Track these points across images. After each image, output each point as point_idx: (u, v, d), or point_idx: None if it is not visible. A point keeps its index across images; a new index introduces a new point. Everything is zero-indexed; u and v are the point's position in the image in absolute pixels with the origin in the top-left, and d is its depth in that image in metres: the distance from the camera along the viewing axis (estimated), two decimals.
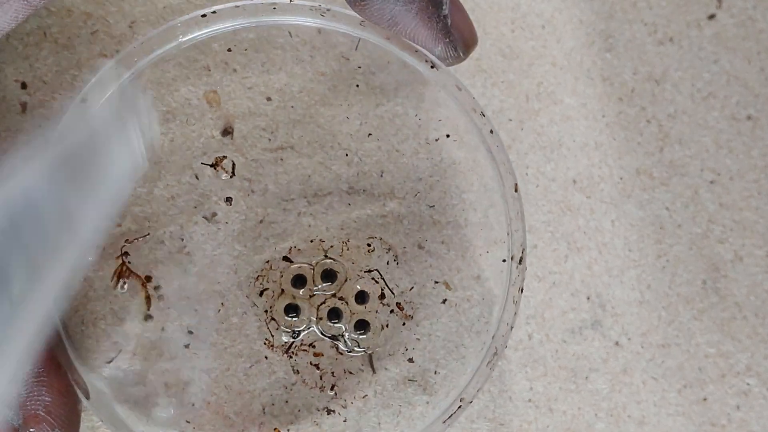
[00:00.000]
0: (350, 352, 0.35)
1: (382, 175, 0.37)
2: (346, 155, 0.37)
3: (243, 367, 0.35)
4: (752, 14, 0.40)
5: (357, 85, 0.37)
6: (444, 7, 0.31)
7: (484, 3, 0.39)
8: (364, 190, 0.37)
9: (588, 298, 0.37)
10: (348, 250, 0.36)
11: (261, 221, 0.36)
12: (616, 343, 0.37)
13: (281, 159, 0.36)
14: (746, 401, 0.38)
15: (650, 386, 0.37)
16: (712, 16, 0.39)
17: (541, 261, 0.37)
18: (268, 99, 0.37)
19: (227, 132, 0.36)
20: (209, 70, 0.37)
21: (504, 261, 0.35)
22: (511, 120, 0.38)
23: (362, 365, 0.36)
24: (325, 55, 0.37)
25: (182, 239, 0.36)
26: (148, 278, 0.35)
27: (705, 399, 0.37)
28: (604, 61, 0.39)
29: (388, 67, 0.37)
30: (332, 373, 0.35)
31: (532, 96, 0.38)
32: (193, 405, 0.35)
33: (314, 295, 0.35)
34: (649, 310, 0.38)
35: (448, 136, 0.37)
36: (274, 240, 0.36)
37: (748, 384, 0.38)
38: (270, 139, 0.36)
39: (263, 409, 0.35)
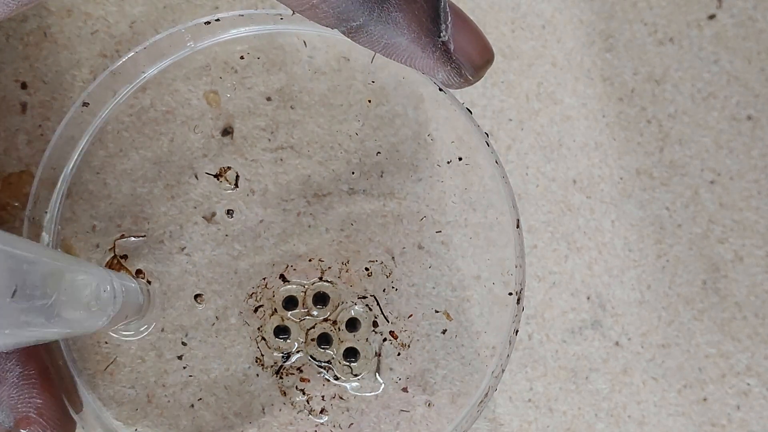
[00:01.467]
0: (336, 379, 0.35)
1: (382, 175, 0.37)
2: (347, 155, 0.37)
3: (243, 367, 0.35)
4: (752, 14, 0.40)
5: (357, 85, 0.37)
6: (443, 34, 0.28)
7: (484, 3, 0.39)
8: (364, 190, 0.37)
9: (588, 298, 0.37)
10: (347, 272, 0.36)
11: (261, 221, 0.36)
12: (616, 343, 0.37)
13: (281, 159, 0.36)
14: (746, 401, 0.37)
15: (650, 386, 0.37)
16: (712, 16, 0.39)
17: (541, 261, 0.37)
18: (268, 99, 0.37)
19: (227, 132, 0.36)
20: (209, 70, 0.37)
21: (510, 294, 0.35)
22: (511, 120, 0.38)
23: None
24: (325, 55, 0.37)
25: (182, 239, 0.36)
26: (139, 272, 0.35)
27: (705, 399, 0.37)
28: (604, 61, 0.39)
29: (388, 68, 0.37)
30: (322, 397, 0.35)
31: (532, 96, 0.38)
32: (192, 406, 0.35)
33: (305, 318, 0.35)
34: (649, 310, 0.38)
35: (460, 159, 0.36)
36: (274, 240, 0.36)
37: (748, 384, 0.38)
38: (270, 139, 0.36)
39: (263, 409, 0.35)
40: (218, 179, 0.36)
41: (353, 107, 0.37)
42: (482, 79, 0.38)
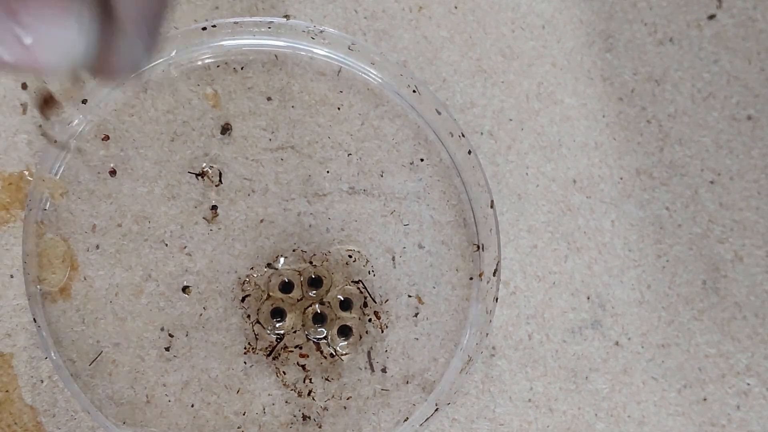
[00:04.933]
0: (333, 356, 0.35)
1: (382, 175, 0.37)
2: (347, 155, 0.37)
3: (243, 366, 0.35)
4: (752, 14, 0.40)
5: (357, 85, 0.37)
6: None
7: (484, 3, 0.39)
8: (364, 190, 0.37)
9: (588, 298, 0.37)
10: (327, 261, 0.36)
11: (261, 221, 0.36)
12: (616, 343, 0.37)
13: (281, 159, 0.36)
14: (746, 401, 0.38)
15: (650, 386, 0.37)
16: (712, 16, 0.40)
17: (541, 261, 0.37)
18: (269, 99, 0.37)
19: (228, 132, 0.36)
20: (210, 70, 0.37)
21: (471, 278, 0.36)
22: (511, 120, 0.38)
23: (361, 365, 0.36)
24: (326, 55, 0.37)
25: (183, 239, 0.36)
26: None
27: (705, 399, 0.37)
28: (604, 61, 0.39)
29: (388, 68, 0.37)
30: (310, 380, 0.35)
31: (532, 96, 0.38)
32: (192, 405, 0.35)
33: (301, 299, 0.36)
34: (649, 310, 0.38)
35: (422, 160, 0.37)
36: (274, 240, 0.36)
37: (748, 384, 0.38)
38: (270, 139, 0.37)
39: (263, 409, 0.35)
40: (202, 178, 0.36)
41: (353, 107, 0.37)
42: (482, 79, 0.38)
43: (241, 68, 0.37)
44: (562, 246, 0.38)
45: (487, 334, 0.35)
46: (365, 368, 0.36)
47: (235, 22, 0.36)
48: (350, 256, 0.36)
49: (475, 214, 0.37)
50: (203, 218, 0.36)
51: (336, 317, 0.35)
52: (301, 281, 0.35)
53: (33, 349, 0.35)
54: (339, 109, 0.37)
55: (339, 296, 0.36)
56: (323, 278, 0.36)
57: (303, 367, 0.35)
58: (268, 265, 0.36)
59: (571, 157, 0.38)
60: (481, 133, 0.38)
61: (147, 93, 0.36)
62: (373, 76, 0.37)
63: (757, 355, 0.38)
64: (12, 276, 0.35)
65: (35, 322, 0.34)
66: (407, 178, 0.37)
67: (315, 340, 0.35)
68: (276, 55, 0.37)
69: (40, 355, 0.35)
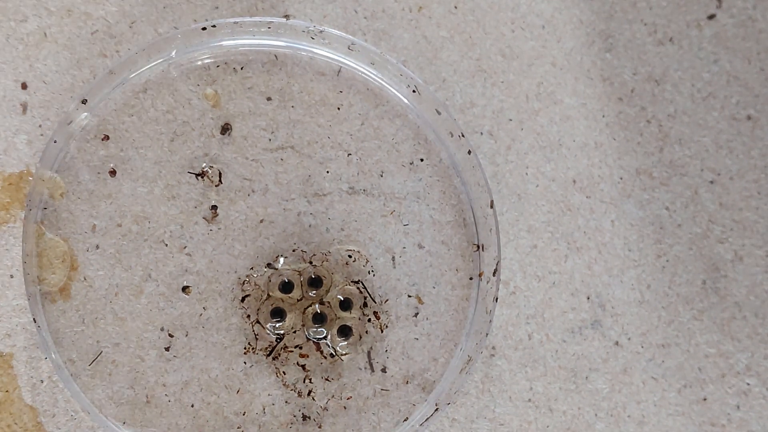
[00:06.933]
0: (333, 356, 0.35)
1: (382, 175, 0.37)
2: (347, 155, 0.37)
3: (243, 367, 0.35)
4: (752, 14, 0.40)
5: (357, 85, 0.37)
6: None
7: (484, 3, 0.39)
8: (364, 190, 0.37)
9: (588, 298, 0.37)
10: (327, 261, 0.36)
11: (261, 221, 0.36)
12: (616, 343, 0.37)
13: (281, 159, 0.36)
14: (746, 401, 0.38)
15: (650, 386, 0.37)
16: (712, 16, 0.40)
17: (541, 261, 0.37)
18: (268, 99, 0.37)
19: (227, 131, 0.36)
20: (209, 70, 0.37)
21: (471, 278, 0.36)
22: (511, 120, 0.38)
23: (361, 365, 0.36)
24: (325, 55, 0.37)
25: (182, 239, 0.36)
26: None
27: (705, 399, 0.37)
28: (604, 61, 0.39)
29: (388, 68, 0.37)
30: (310, 380, 0.35)
31: (532, 96, 0.38)
32: (192, 405, 0.35)
33: (301, 299, 0.35)
34: (649, 310, 0.38)
35: (422, 160, 0.37)
36: (274, 240, 0.36)
37: (748, 384, 0.38)
38: (270, 139, 0.37)
39: (263, 409, 0.35)
40: (202, 178, 0.36)
41: (353, 107, 0.37)
42: (482, 79, 0.38)
43: (241, 68, 0.37)
44: (562, 246, 0.38)
45: (487, 334, 0.35)
46: (365, 368, 0.36)
47: (235, 22, 0.36)
48: (350, 256, 0.36)
49: (474, 214, 0.37)
50: (203, 218, 0.36)
51: (336, 317, 0.35)
52: (301, 281, 0.35)
53: (33, 349, 0.35)
54: (339, 109, 0.37)
55: (339, 296, 0.36)
56: (323, 278, 0.36)
57: (303, 367, 0.35)
58: (268, 265, 0.36)
59: (571, 157, 0.38)
60: (481, 133, 0.38)
61: (147, 93, 0.36)
62: (373, 76, 0.37)
63: (757, 355, 0.38)
64: (12, 276, 0.35)
65: (35, 322, 0.34)
66: (407, 178, 0.37)
67: (315, 340, 0.35)
68: (276, 55, 0.37)
69: (40, 355, 0.35)
